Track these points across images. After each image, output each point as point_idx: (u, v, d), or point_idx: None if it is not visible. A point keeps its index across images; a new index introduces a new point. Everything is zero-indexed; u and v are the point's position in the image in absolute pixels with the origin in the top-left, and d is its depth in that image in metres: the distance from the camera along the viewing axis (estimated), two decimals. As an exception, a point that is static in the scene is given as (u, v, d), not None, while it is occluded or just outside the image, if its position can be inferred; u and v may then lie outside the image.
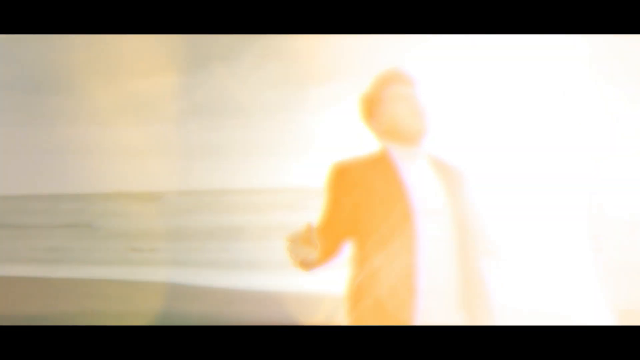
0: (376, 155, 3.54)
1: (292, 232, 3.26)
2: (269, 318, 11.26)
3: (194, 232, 34.76)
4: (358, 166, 3.48)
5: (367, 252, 3.40)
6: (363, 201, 3.42)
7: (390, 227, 3.35)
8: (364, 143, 3.64)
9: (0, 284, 16.82)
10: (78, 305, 12.99)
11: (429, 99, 3.57)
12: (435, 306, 3.37)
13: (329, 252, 3.45)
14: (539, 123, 4.11)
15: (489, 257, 3.49)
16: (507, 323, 3.47)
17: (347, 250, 3.53)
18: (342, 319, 3.47)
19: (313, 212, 3.64)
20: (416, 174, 3.50)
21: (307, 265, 3.35)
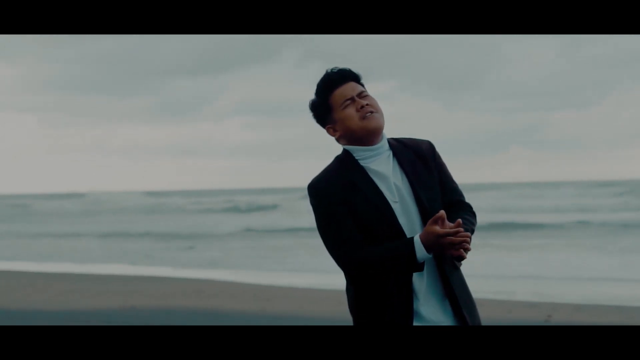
0: (342, 161, 3.53)
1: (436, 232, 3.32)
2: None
3: (235, 230, 34.92)
4: (332, 180, 3.48)
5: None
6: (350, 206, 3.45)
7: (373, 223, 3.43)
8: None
9: None
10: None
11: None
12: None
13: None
14: None
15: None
16: None
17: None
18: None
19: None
20: (382, 170, 3.49)
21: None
